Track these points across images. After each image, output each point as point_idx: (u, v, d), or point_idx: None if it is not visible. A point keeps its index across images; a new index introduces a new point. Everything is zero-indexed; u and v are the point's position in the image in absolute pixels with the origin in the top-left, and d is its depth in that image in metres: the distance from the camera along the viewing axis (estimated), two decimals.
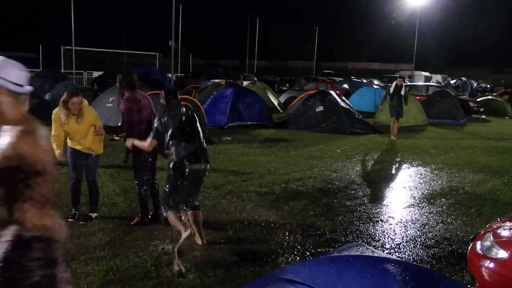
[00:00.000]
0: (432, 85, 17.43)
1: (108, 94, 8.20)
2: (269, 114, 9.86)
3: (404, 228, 3.70)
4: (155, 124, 3.07)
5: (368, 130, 9.21)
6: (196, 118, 3.23)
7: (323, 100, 9.53)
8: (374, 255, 1.71)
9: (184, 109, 3.21)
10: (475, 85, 24.91)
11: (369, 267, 1.35)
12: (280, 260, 2.92)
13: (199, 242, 3.07)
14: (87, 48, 25.86)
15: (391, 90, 8.73)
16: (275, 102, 12.81)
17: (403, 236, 3.50)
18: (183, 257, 2.81)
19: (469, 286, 2.61)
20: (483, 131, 10.60)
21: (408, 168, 6.15)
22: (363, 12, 53.78)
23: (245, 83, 17.18)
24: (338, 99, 9.63)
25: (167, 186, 3.10)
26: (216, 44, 56.90)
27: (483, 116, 13.96)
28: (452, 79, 28.26)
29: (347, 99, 11.11)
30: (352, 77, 23.19)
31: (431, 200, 4.51)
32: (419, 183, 5.26)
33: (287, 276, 1.33)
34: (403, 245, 3.31)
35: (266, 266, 2.82)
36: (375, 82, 22.64)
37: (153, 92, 6.62)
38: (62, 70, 21.68)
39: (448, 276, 2.71)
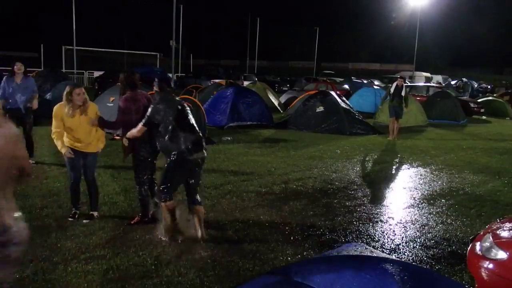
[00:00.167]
0: (433, 86, 17.43)
1: (109, 94, 8.22)
2: (269, 114, 9.86)
3: (403, 228, 3.70)
4: (151, 112, 3.08)
5: (368, 131, 9.20)
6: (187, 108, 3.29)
7: (323, 101, 9.53)
8: (373, 255, 1.71)
9: (177, 98, 3.26)
10: (475, 85, 24.88)
11: (368, 267, 1.36)
12: (279, 260, 2.93)
13: (199, 236, 3.12)
14: (88, 48, 25.88)
15: (392, 90, 8.71)
16: (276, 102, 12.82)
17: (403, 237, 3.50)
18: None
19: (467, 286, 2.61)
20: (484, 132, 10.60)
21: (408, 168, 6.15)
22: (363, 13, 53.85)
23: (245, 83, 17.17)
24: (339, 100, 9.63)
25: (166, 176, 3.11)
26: (216, 44, 56.96)
27: (484, 117, 13.95)
28: (453, 80, 28.25)
29: (347, 99, 11.11)
30: (352, 77, 23.16)
31: (431, 201, 4.51)
32: (419, 183, 5.26)
33: (286, 275, 1.33)
34: (402, 246, 3.31)
35: (265, 266, 2.82)
36: (376, 82, 22.64)
37: (153, 92, 6.63)
38: (63, 70, 21.69)
39: (447, 276, 2.71)
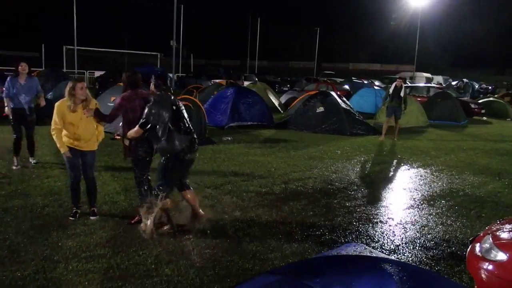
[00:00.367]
0: (433, 87, 17.42)
1: (110, 93, 8.23)
2: (269, 114, 9.86)
3: (403, 229, 3.70)
4: (146, 113, 3.11)
5: (368, 131, 9.20)
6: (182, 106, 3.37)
7: (323, 101, 9.54)
8: (372, 255, 1.72)
9: (172, 96, 3.31)
10: (476, 86, 24.86)
11: (367, 267, 1.36)
12: (279, 260, 2.94)
13: (200, 214, 3.34)
14: (89, 48, 25.92)
15: (391, 91, 8.67)
16: (276, 103, 12.82)
17: (403, 238, 3.51)
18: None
19: (467, 287, 2.61)
20: (484, 133, 10.59)
21: (408, 169, 6.15)
22: (364, 13, 53.79)
23: (246, 83, 17.19)
24: (339, 100, 9.63)
25: (164, 175, 3.16)
26: (217, 44, 56.99)
27: (484, 118, 13.93)
28: (453, 81, 28.23)
29: (347, 100, 11.11)
30: (353, 78, 23.16)
31: (431, 202, 4.52)
32: (419, 184, 5.26)
33: (285, 275, 1.34)
34: (402, 246, 3.32)
35: (265, 265, 2.83)
36: (376, 83, 22.63)
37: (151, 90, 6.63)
38: (64, 70, 21.72)
39: (446, 277, 2.71)
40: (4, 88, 4.98)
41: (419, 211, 4.20)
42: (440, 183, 5.32)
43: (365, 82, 21.87)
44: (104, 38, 37.98)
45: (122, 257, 2.86)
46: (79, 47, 23.83)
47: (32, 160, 5.20)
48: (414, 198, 4.66)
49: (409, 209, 4.29)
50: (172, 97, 3.32)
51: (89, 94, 3.42)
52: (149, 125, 3.10)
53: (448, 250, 3.28)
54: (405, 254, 3.18)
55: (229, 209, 3.92)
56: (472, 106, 14.31)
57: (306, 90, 14.51)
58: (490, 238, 2.54)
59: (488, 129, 11.65)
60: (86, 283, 2.53)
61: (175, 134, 3.13)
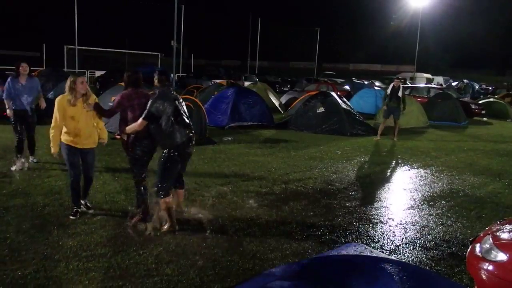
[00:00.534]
0: (434, 87, 17.41)
1: (110, 93, 8.24)
2: (270, 114, 9.87)
3: (403, 230, 3.71)
4: (150, 106, 3.17)
5: (368, 132, 9.20)
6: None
7: (324, 101, 9.54)
8: (373, 255, 1.72)
9: (174, 92, 3.41)
10: (477, 87, 24.85)
11: (368, 266, 1.37)
12: (279, 260, 2.94)
13: (181, 210, 3.52)
14: (90, 48, 25.95)
15: (389, 91, 8.62)
16: (276, 103, 12.83)
17: (403, 238, 3.51)
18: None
19: None
20: (485, 134, 10.58)
21: (409, 170, 6.15)
22: (364, 13, 53.82)
23: (246, 83, 17.20)
24: (339, 100, 9.63)
25: (166, 172, 3.23)
26: (217, 44, 57.04)
27: (485, 119, 13.92)
28: (454, 81, 28.21)
29: (348, 100, 11.11)
30: (353, 78, 23.16)
31: (431, 202, 4.52)
32: (419, 185, 5.26)
33: (286, 274, 1.35)
34: (402, 247, 3.32)
35: (265, 265, 2.83)
36: (377, 83, 22.63)
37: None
38: (65, 69, 21.75)
39: (446, 277, 2.71)
40: (4, 88, 4.94)
41: (419, 212, 4.21)
42: (440, 184, 5.32)
43: (366, 82, 21.87)
44: (105, 38, 38.06)
45: (123, 256, 2.87)
46: (80, 47, 23.86)
47: (32, 159, 5.20)
48: (414, 199, 4.66)
49: (409, 209, 4.29)
50: (174, 92, 3.40)
51: (89, 89, 3.50)
52: (153, 117, 3.16)
53: (448, 250, 3.28)
54: (405, 255, 3.18)
55: (229, 209, 3.92)
56: (473, 106, 14.30)
57: (307, 90, 14.51)
58: (490, 239, 2.54)
59: (489, 129, 11.65)
60: (87, 282, 2.54)
61: (176, 128, 3.20)
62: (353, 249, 1.73)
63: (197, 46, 42.16)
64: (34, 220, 3.42)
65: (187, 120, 3.34)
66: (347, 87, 18.03)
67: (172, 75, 19.97)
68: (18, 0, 50.15)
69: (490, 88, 25.40)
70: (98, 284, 2.52)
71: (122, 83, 7.06)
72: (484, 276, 2.42)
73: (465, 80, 24.47)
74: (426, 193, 4.89)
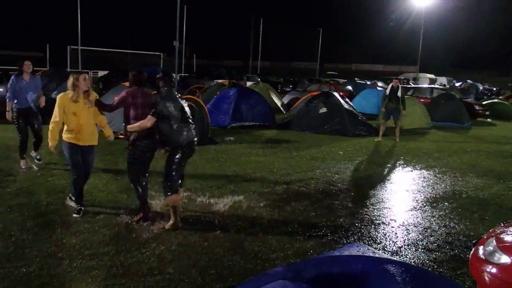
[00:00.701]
0: (437, 88, 17.34)
1: (113, 93, 8.26)
2: (272, 115, 9.86)
3: (406, 231, 3.69)
4: (157, 103, 3.26)
5: (371, 132, 9.17)
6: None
7: (326, 102, 9.52)
8: (375, 255, 1.72)
9: (177, 93, 3.51)
10: (480, 88, 24.71)
11: (370, 267, 1.37)
12: (280, 260, 2.94)
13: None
14: (93, 48, 26.08)
15: (387, 92, 8.53)
16: (278, 103, 12.83)
17: (405, 239, 3.50)
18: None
19: None
20: (488, 135, 10.52)
21: (411, 171, 6.13)
22: (367, 14, 53.69)
23: (248, 83, 17.20)
24: (341, 101, 9.61)
25: (175, 169, 3.32)
26: (219, 44, 57.11)
27: (489, 120, 13.84)
28: (457, 82, 28.07)
29: (350, 101, 11.09)
30: (355, 78, 23.11)
31: (434, 204, 4.50)
32: (422, 186, 5.24)
33: (287, 274, 1.35)
34: (404, 248, 3.31)
35: (267, 265, 2.84)
36: (379, 84, 22.56)
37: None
38: (68, 69, 21.88)
39: (449, 279, 2.70)
40: (8, 87, 4.94)
41: (422, 213, 4.19)
42: (443, 185, 5.30)
43: (368, 83, 21.82)
44: (107, 38, 38.23)
45: (125, 255, 2.88)
46: (83, 47, 23.99)
47: (35, 155, 5.06)
48: (416, 200, 4.64)
49: (411, 211, 4.27)
50: (177, 93, 3.49)
51: (90, 86, 3.57)
52: (161, 115, 3.24)
53: (451, 252, 3.26)
54: (408, 256, 3.17)
55: (231, 209, 3.93)
56: (476, 107, 14.21)
57: (309, 90, 14.49)
58: (494, 241, 2.53)
59: (492, 131, 11.58)
60: (90, 280, 2.55)
61: (183, 127, 3.31)
62: (355, 250, 1.73)
63: (199, 46, 42.21)
64: (38, 218, 3.44)
65: (190, 120, 3.43)
66: (349, 87, 17.99)
67: (174, 75, 20.03)
68: (22, 1, 50.52)
69: (494, 89, 25.24)
70: (100, 282, 2.53)
71: (125, 83, 7.09)
72: (487, 279, 2.41)
73: (468, 81, 24.37)
74: (428, 194, 4.87)
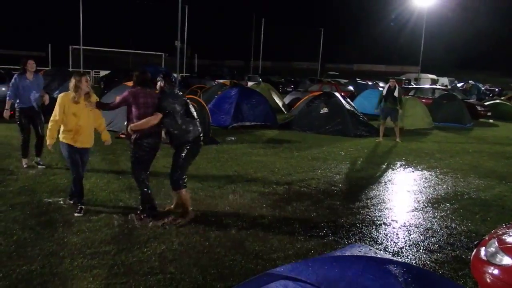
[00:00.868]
0: (439, 88, 17.29)
1: (115, 93, 8.27)
2: (273, 115, 9.86)
3: (407, 232, 3.69)
4: (162, 100, 3.36)
5: (372, 133, 9.16)
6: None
7: (327, 102, 9.51)
8: (377, 256, 1.72)
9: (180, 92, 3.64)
10: (482, 88, 24.63)
11: (372, 267, 1.36)
12: (281, 260, 2.94)
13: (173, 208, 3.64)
14: (94, 48, 26.15)
15: (384, 92, 8.53)
16: (280, 103, 12.82)
17: (406, 240, 3.49)
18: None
19: None
20: (490, 136, 10.48)
21: (413, 171, 6.11)
22: (369, 14, 53.60)
23: (249, 83, 17.21)
24: (343, 101, 9.60)
25: (183, 166, 3.46)
26: (221, 44, 57.14)
27: (491, 121, 13.78)
28: (459, 82, 27.98)
29: (352, 101, 11.07)
30: (357, 79, 23.07)
31: (435, 205, 4.49)
32: (423, 187, 5.23)
33: (289, 274, 1.35)
34: (406, 249, 3.30)
35: (268, 265, 2.84)
36: (381, 84, 22.54)
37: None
38: (70, 69, 21.94)
39: (452, 280, 2.69)
40: (10, 86, 4.90)
41: (423, 214, 4.18)
42: (444, 186, 5.28)
43: (370, 83, 21.80)
44: (109, 38, 38.32)
45: (126, 254, 2.89)
46: (84, 47, 24.06)
47: (39, 161, 4.99)
48: (418, 201, 4.63)
49: (413, 211, 4.26)
50: (180, 93, 3.61)
51: (91, 89, 3.63)
52: (167, 111, 3.34)
53: (453, 253, 3.25)
54: (409, 257, 3.16)
55: (232, 209, 3.93)
56: (478, 108, 14.16)
57: (310, 91, 14.49)
58: (496, 242, 2.51)
59: (494, 131, 11.54)
60: (91, 278, 2.56)
61: (188, 122, 3.44)
62: (357, 250, 1.73)
63: (200, 46, 42.25)
64: (39, 217, 3.45)
65: (196, 118, 3.56)
66: (350, 87, 17.97)
67: (175, 75, 20.06)
68: (24, 1, 50.70)
69: (496, 90, 25.14)
70: (102, 281, 2.54)
71: (126, 83, 7.11)
72: (489, 280, 2.40)
73: (470, 81, 24.27)
74: (430, 195, 4.85)
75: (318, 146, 7.54)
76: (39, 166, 4.96)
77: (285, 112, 12.07)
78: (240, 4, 57.76)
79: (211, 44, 54.50)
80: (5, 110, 4.82)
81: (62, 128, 3.51)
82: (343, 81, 23.31)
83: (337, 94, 10.20)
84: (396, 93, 8.33)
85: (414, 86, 19.82)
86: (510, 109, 14.64)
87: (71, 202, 3.71)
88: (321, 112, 9.35)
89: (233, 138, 7.80)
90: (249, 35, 35.05)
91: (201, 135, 3.58)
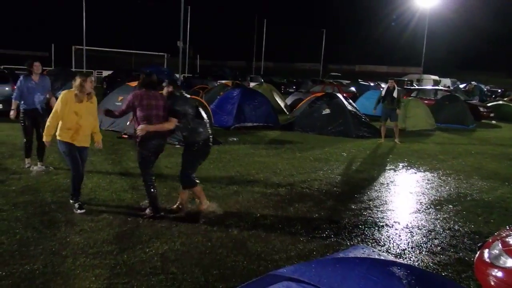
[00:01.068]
0: (441, 89, 17.23)
1: (117, 93, 8.31)
2: (275, 115, 9.86)
3: (409, 233, 3.67)
4: (177, 106, 3.48)
5: (374, 134, 9.14)
6: None
7: (329, 103, 9.50)
8: (381, 258, 1.71)
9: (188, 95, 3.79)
10: (485, 89, 24.51)
11: (375, 269, 1.36)
12: (283, 261, 2.93)
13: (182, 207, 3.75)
14: (97, 48, 26.27)
15: (383, 93, 8.54)
16: (282, 104, 12.82)
17: (409, 242, 3.47)
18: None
19: None
20: (493, 137, 10.43)
21: (415, 173, 6.09)
22: (370, 15, 53.52)
23: (251, 84, 17.23)
24: (345, 102, 9.59)
25: (193, 165, 3.62)
26: (223, 45, 57.24)
27: (494, 122, 13.72)
28: (462, 83, 27.87)
29: (354, 102, 11.04)
30: (359, 79, 23.05)
31: (438, 206, 4.46)
32: (426, 188, 5.21)
33: (292, 275, 1.34)
34: (408, 251, 3.29)
35: (270, 266, 2.83)
36: (383, 85, 22.46)
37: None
38: (73, 69, 22.06)
39: (455, 282, 2.68)
40: (15, 87, 4.95)
41: (426, 216, 4.16)
42: (447, 188, 5.26)
43: (372, 84, 21.76)
44: (112, 39, 38.51)
45: (129, 254, 2.89)
46: (87, 47, 24.18)
47: (41, 165, 4.88)
48: (421, 202, 4.61)
49: (415, 213, 4.24)
50: (188, 95, 3.75)
51: (93, 90, 3.71)
52: (180, 114, 3.46)
53: (455, 255, 3.23)
54: (411, 259, 3.15)
55: (234, 210, 3.93)
56: (481, 109, 14.10)
57: (312, 91, 14.47)
58: (500, 244, 2.50)
59: (497, 133, 11.48)
60: (93, 278, 2.56)
61: (198, 124, 3.57)
62: (360, 252, 1.72)
63: (202, 47, 42.34)
64: (42, 216, 3.47)
65: (207, 120, 3.70)
66: (353, 88, 17.94)
67: (178, 76, 20.11)
68: (28, 1, 51.05)
69: (499, 91, 25.02)
70: (104, 280, 2.54)
71: (129, 83, 7.14)
72: (492, 283, 2.38)
73: (473, 82, 24.17)
74: (433, 196, 4.83)
75: (320, 147, 7.52)
76: (43, 172, 4.85)
77: (287, 113, 12.06)
78: (242, 5, 57.88)
79: (213, 45, 54.65)
80: (11, 110, 4.86)
81: (60, 126, 3.54)
82: (345, 82, 23.27)
83: (339, 95, 10.19)
84: (395, 94, 8.33)
85: (416, 87, 19.74)
86: None
87: (73, 201, 3.72)
88: (323, 113, 9.34)
89: (235, 139, 7.80)
90: (251, 35, 35.11)
91: (211, 136, 3.70)
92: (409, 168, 6.41)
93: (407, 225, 3.87)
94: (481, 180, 5.72)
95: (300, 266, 1.47)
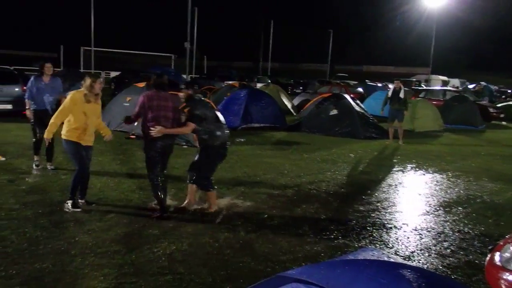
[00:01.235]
0: (450, 90, 16.99)
1: (125, 94, 8.40)
2: (282, 116, 9.84)
3: (418, 236, 3.62)
4: (196, 111, 3.54)
5: (382, 135, 9.05)
6: None
7: (337, 104, 9.44)
8: (390, 260, 1.69)
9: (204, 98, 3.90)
10: (494, 90, 24.05)
11: (384, 271, 1.34)
12: (291, 262, 2.92)
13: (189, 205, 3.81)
14: (106, 49, 26.63)
15: (390, 94, 8.45)
16: (289, 105, 12.79)
17: (418, 244, 3.43)
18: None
19: None
20: (503, 138, 10.23)
21: (424, 174, 6.00)
22: (377, 15, 53.08)
23: (258, 85, 17.23)
24: (352, 103, 9.51)
25: (211, 167, 3.71)
26: (230, 46, 57.41)
27: (503, 123, 13.47)
28: (471, 84, 27.42)
29: (361, 103, 10.96)
30: (366, 80, 22.87)
31: (447, 208, 4.39)
32: (434, 190, 5.13)
33: (300, 276, 1.33)
34: (417, 253, 3.24)
35: (277, 267, 2.82)
36: (390, 85, 22.23)
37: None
38: (81, 70, 22.39)
39: (467, 285, 2.63)
40: (26, 88, 5.02)
41: (435, 218, 4.10)
42: (456, 189, 5.17)
43: (379, 84, 21.57)
44: (120, 40, 38.97)
45: (137, 254, 2.92)
46: (96, 48, 24.53)
47: (49, 166, 4.93)
48: (429, 204, 4.54)
49: (424, 215, 4.19)
50: (205, 99, 3.83)
51: (100, 91, 3.80)
52: (199, 118, 3.52)
53: (465, 258, 3.18)
54: (420, 261, 3.10)
55: (241, 210, 3.93)
56: (491, 110, 13.86)
57: (319, 92, 14.40)
58: (511, 247, 2.45)
59: (507, 134, 11.26)
60: (101, 277, 2.59)
61: (216, 127, 3.63)
62: (369, 254, 1.70)
63: (210, 48, 42.53)
64: (51, 215, 3.52)
65: (224, 124, 3.77)
66: (360, 89, 17.81)
67: (185, 76, 20.25)
68: (37, 2, 52.06)
69: (509, 91, 24.54)
70: (112, 280, 2.57)
71: (137, 84, 7.22)
72: (504, 287, 2.33)
73: (482, 83, 23.75)
74: (441, 198, 4.76)
75: (327, 148, 7.48)
76: (51, 169, 4.91)
77: (294, 114, 12.03)
78: (249, 6, 58.02)
79: (220, 46, 54.84)
80: (27, 110, 4.91)
81: (67, 126, 3.58)
82: (352, 82, 23.11)
83: (346, 95, 10.11)
84: (401, 95, 8.25)
85: (425, 87, 19.49)
86: None
87: (82, 201, 3.77)
88: (330, 114, 9.28)
89: (242, 140, 7.81)
90: (258, 36, 35.15)
91: (228, 141, 3.78)
92: (417, 169, 6.33)
93: (416, 227, 3.82)
94: (490, 182, 5.61)
95: (308, 267, 1.46)
